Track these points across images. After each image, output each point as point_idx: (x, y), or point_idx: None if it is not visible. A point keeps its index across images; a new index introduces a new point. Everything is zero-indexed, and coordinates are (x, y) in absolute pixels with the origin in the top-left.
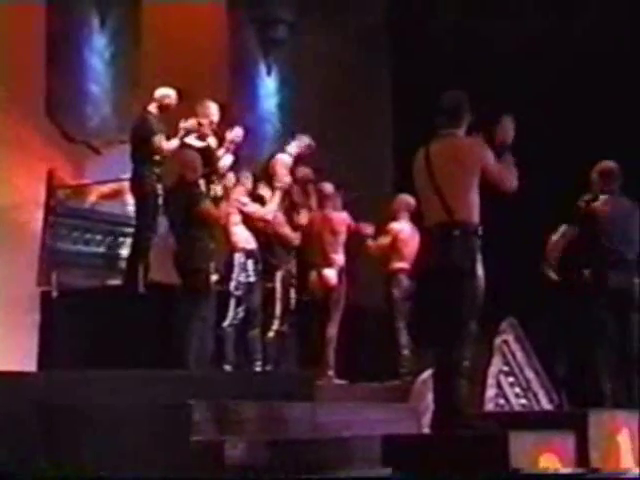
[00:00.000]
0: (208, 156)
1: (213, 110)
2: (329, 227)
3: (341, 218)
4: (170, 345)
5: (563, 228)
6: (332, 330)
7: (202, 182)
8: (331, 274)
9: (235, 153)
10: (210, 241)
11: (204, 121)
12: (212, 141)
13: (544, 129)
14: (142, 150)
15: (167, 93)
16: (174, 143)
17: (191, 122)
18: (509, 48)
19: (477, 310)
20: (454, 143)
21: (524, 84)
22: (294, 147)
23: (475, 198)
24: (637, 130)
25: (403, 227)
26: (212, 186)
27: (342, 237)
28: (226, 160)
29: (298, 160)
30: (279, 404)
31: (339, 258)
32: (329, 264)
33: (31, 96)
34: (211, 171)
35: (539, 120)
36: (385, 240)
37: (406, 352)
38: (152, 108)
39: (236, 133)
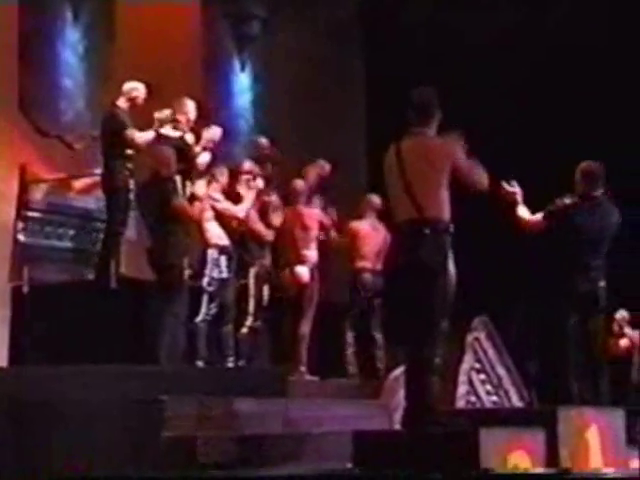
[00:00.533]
0: (185, 153)
1: (190, 107)
2: (300, 223)
3: (312, 214)
4: (142, 341)
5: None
6: (305, 327)
7: (179, 179)
8: (303, 271)
9: (213, 151)
10: (184, 237)
11: (181, 118)
12: (189, 138)
13: (516, 123)
14: (114, 145)
15: (135, 86)
16: (148, 135)
17: (166, 113)
18: (481, 41)
19: (448, 307)
20: (425, 141)
21: (497, 77)
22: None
23: (445, 196)
24: (614, 122)
25: (362, 226)
26: (188, 183)
27: (313, 233)
28: (204, 158)
29: (264, 160)
30: (251, 400)
31: (311, 254)
32: (301, 261)
33: (4, 91)
34: (188, 168)
35: (511, 113)
36: (344, 238)
37: (380, 351)
38: (121, 103)
39: (214, 132)
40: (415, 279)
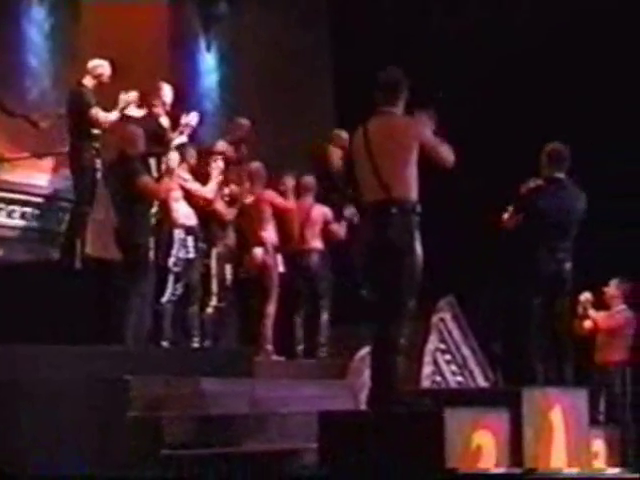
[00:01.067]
0: (160, 137)
1: (166, 91)
2: (257, 205)
3: (268, 196)
4: (108, 321)
5: (510, 209)
6: (269, 307)
7: (153, 162)
8: (258, 252)
9: (190, 136)
10: (150, 217)
11: (157, 102)
12: (164, 122)
13: (483, 108)
14: (80, 124)
15: (99, 64)
16: (113, 115)
17: (131, 94)
18: (449, 27)
19: (415, 288)
20: (392, 121)
21: (464, 64)
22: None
23: (413, 175)
24: (580, 111)
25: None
26: (162, 165)
27: (269, 214)
28: (179, 141)
29: (239, 142)
30: (217, 380)
31: (269, 236)
32: (258, 242)
33: None
34: (163, 151)
35: (478, 99)
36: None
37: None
38: (87, 81)
39: (192, 117)
40: (382, 259)
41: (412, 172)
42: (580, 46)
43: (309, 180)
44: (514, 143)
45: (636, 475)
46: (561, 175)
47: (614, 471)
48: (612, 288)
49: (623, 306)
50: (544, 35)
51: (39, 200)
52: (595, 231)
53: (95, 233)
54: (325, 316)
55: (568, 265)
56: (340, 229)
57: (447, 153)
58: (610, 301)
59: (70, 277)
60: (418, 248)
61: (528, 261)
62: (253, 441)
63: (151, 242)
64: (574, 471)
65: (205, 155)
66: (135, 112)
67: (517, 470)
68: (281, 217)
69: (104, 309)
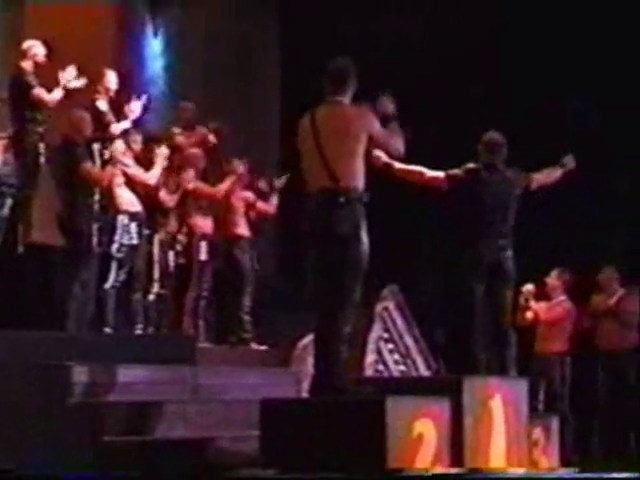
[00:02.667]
0: (99, 121)
1: (111, 78)
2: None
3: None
4: (50, 306)
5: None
6: (189, 294)
7: (96, 146)
8: (182, 240)
9: (135, 122)
10: (92, 202)
11: (101, 89)
12: (102, 105)
13: (429, 96)
14: (22, 108)
15: (32, 44)
16: (57, 93)
17: (70, 70)
18: (397, 14)
19: (361, 277)
20: (340, 110)
21: (413, 52)
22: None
23: (360, 165)
24: (522, 101)
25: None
26: (105, 151)
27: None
28: (122, 125)
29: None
30: (159, 367)
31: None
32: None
33: None
34: (105, 137)
35: (424, 87)
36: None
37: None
38: (25, 64)
39: (136, 105)
40: (328, 248)
41: (360, 162)
42: (517, 40)
43: (234, 165)
44: (456, 132)
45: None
46: (498, 163)
47: (557, 471)
48: (553, 279)
49: (563, 297)
50: (485, 32)
51: None
52: (536, 221)
53: (39, 218)
54: (247, 302)
55: (509, 253)
56: (268, 206)
57: (397, 145)
58: (551, 292)
59: (12, 262)
60: (364, 237)
61: (468, 249)
62: (195, 428)
63: (93, 228)
64: (519, 471)
65: (151, 141)
66: (76, 83)
67: (460, 470)
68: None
69: (46, 295)
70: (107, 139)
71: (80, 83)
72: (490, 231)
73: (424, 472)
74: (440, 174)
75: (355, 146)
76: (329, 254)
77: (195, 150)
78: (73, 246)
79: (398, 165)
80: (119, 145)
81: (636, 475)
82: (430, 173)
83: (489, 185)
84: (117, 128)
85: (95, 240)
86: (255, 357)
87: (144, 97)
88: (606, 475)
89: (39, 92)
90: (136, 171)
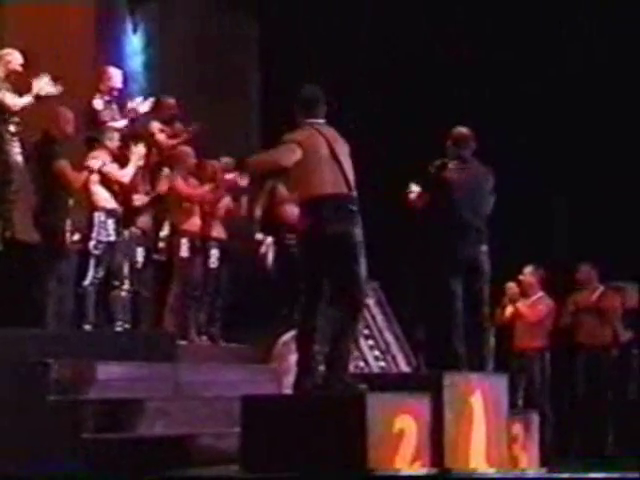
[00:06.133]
0: (96, 120)
1: (116, 77)
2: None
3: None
4: (28, 303)
5: (415, 188)
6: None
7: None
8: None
9: (133, 120)
10: (68, 199)
11: (102, 87)
12: (98, 104)
13: (400, 89)
14: None
15: (6, 52)
16: (24, 99)
17: (44, 79)
18: (378, 14)
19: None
20: (336, 132)
21: (391, 42)
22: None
23: None
24: (489, 93)
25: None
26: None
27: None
28: (120, 124)
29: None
30: (140, 364)
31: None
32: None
33: None
34: (99, 135)
35: (395, 79)
36: None
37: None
38: None
39: (138, 102)
40: (338, 250)
41: None
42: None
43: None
44: (426, 131)
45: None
46: (467, 156)
47: (535, 472)
48: (528, 276)
49: (541, 293)
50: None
51: None
52: (505, 218)
53: (19, 216)
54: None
55: (484, 248)
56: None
57: None
58: (528, 288)
59: None
60: (363, 247)
61: (444, 245)
62: (177, 425)
63: (67, 224)
64: (492, 471)
65: (130, 138)
66: (51, 90)
67: (433, 470)
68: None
69: (25, 292)
70: (101, 138)
71: (55, 90)
72: (464, 226)
73: (397, 472)
74: (418, 191)
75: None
76: (340, 256)
77: (184, 148)
78: (48, 243)
79: None
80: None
81: (613, 475)
82: (411, 197)
83: (459, 179)
84: (115, 126)
85: (68, 236)
86: (236, 354)
87: (150, 100)
88: (583, 475)
89: (2, 95)
90: (110, 169)
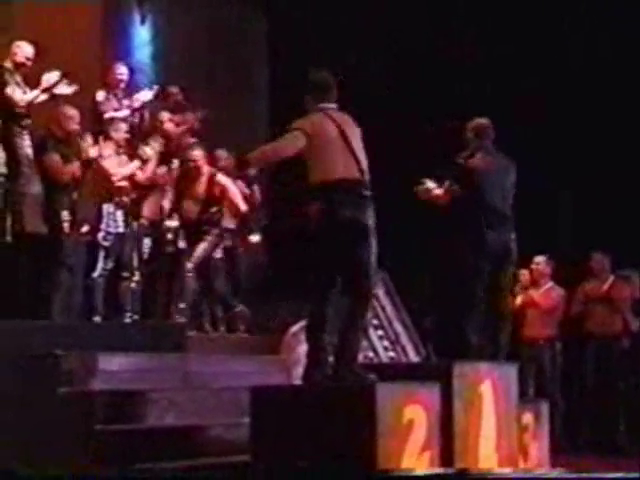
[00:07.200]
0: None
1: (122, 70)
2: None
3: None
4: (38, 296)
5: (447, 184)
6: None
7: (89, 138)
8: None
9: (135, 110)
10: (72, 191)
11: (108, 80)
12: (99, 95)
13: (410, 92)
14: (2, 104)
15: (17, 44)
16: (31, 95)
17: (54, 74)
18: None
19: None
20: (348, 116)
21: (400, 34)
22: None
23: None
24: (494, 87)
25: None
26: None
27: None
28: (120, 116)
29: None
30: (149, 355)
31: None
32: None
33: None
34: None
35: (403, 72)
36: None
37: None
38: (7, 63)
39: (145, 94)
40: (350, 236)
41: None
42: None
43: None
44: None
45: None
46: (488, 145)
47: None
48: (542, 265)
49: (551, 283)
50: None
51: None
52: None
53: (30, 208)
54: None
55: (513, 235)
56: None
57: None
58: (539, 278)
59: (1, 251)
60: (375, 235)
61: (473, 233)
62: (186, 416)
63: (63, 215)
64: (507, 470)
65: (138, 132)
66: (65, 90)
67: (449, 470)
68: None
69: (34, 284)
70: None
71: (70, 90)
72: (496, 214)
73: (409, 472)
74: (445, 186)
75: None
76: (349, 242)
77: (190, 139)
78: (55, 234)
79: None
80: (88, 141)
81: (631, 475)
82: (437, 192)
83: (489, 168)
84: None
85: (66, 226)
86: (245, 344)
87: (155, 88)
88: (598, 475)
89: (12, 91)
90: (108, 164)
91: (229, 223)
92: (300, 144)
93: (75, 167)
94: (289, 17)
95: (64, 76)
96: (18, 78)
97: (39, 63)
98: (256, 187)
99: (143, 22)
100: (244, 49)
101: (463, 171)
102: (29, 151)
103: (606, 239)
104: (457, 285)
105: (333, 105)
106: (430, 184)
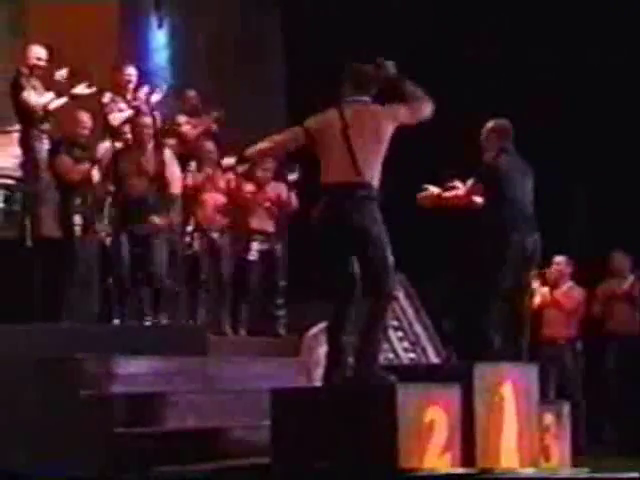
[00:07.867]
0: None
1: (130, 71)
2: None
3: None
4: (57, 299)
5: (470, 182)
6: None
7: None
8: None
9: (139, 110)
10: (86, 194)
11: (119, 81)
12: (105, 97)
13: (428, 75)
14: (18, 108)
15: (31, 47)
16: (45, 98)
17: (62, 71)
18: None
19: (391, 266)
20: (370, 111)
21: (412, 28)
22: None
23: (380, 167)
24: (507, 83)
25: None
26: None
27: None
28: (122, 117)
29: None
30: (169, 358)
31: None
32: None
33: None
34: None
35: (426, 64)
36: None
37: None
38: (23, 67)
39: (146, 92)
40: (346, 239)
41: (380, 164)
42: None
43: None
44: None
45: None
46: (509, 146)
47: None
48: (562, 265)
49: (571, 283)
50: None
51: None
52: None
53: (47, 212)
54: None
55: (537, 236)
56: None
57: (423, 112)
58: (559, 277)
59: (21, 256)
60: (383, 235)
61: (500, 233)
62: (206, 418)
63: (74, 219)
64: (531, 471)
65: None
66: (84, 91)
67: (472, 470)
68: None
69: (54, 288)
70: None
71: (89, 91)
72: (523, 215)
73: (432, 472)
74: (469, 185)
75: (381, 148)
76: (349, 244)
77: (208, 143)
78: (65, 236)
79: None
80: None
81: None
82: (460, 192)
83: (514, 169)
84: (115, 119)
85: (77, 230)
86: (265, 347)
87: (162, 87)
88: (619, 475)
89: (28, 95)
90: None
91: (268, 226)
92: (299, 140)
93: (86, 167)
94: (306, 14)
95: (71, 73)
96: (35, 82)
97: (55, 67)
98: (294, 194)
99: (160, 26)
100: (261, 49)
101: (488, 171)
102: (45, 155)
103: (624, 238)
104: (479, 286)
105: (365, 98)
106: (434, 190)
